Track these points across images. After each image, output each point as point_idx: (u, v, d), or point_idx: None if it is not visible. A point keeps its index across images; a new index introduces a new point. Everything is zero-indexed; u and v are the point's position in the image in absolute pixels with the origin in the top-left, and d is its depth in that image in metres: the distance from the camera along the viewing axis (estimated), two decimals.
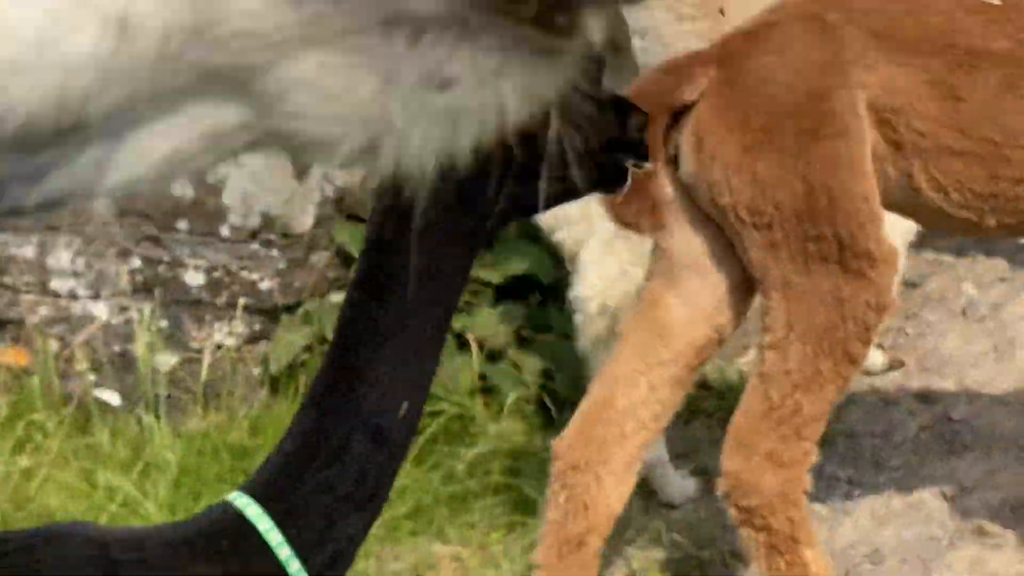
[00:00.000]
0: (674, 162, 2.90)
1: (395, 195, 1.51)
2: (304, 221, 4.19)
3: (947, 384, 4.17)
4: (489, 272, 4.31)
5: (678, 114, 2.87)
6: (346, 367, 1.58)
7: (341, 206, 4.38)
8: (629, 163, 1.68)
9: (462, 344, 4.18)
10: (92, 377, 4.32)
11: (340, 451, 1.54)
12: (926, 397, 4.11)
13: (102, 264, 4.31)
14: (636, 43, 3.48)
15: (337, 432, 1.55)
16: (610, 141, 1.65)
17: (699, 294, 2.95)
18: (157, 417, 4.08)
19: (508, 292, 4.39)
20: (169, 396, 4.23)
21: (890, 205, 2.96)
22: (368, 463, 1.56)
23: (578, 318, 3.77)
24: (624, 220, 2.94)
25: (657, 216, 2.88)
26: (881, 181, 2.88)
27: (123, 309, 4.30)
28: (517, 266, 4.35)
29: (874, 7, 2.97)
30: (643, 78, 3.11)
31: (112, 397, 4.35)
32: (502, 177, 1.53)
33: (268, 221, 4.12)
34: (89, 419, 4.23)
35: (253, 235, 4.15)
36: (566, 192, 1.68)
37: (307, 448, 1.57)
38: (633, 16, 3.44)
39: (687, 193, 2.92)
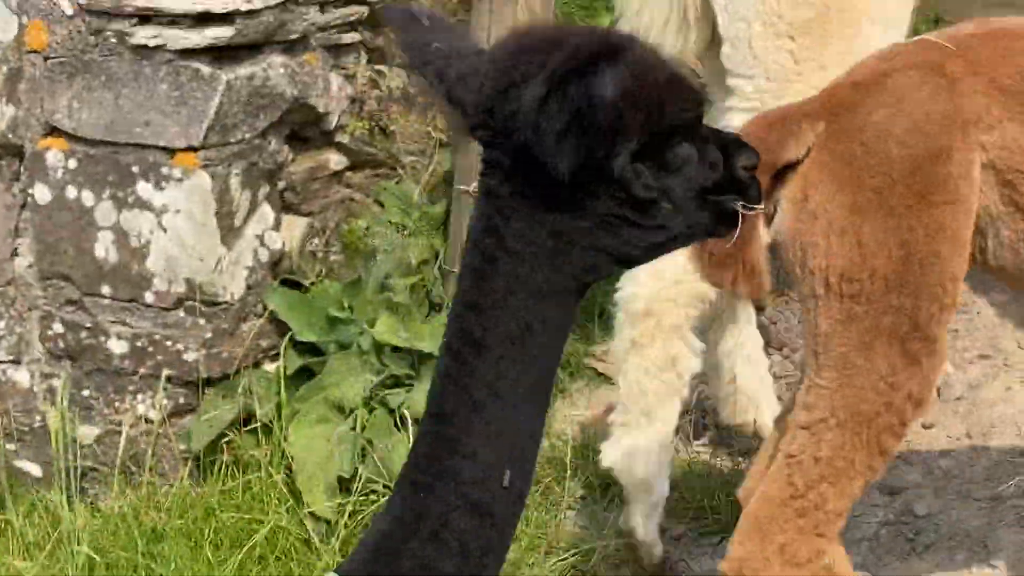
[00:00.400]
0: (768, 222, 2.72)
1: (482, 254, 1.48)
2: (233, 288, 3.96)
3: (914, 474, 3.92)
4: (431, 343, 4.07)
5: (779, 172, 2.67)
6: (440, 439, 1.52)
7: (277, 270, 4.16)
8: (738, 206, 1.58)
9: (398, 422, 3.95)
10: (12, 447, 4.11)
11: (439, 529, 1.50)
12: (890, 488, 3.85)
13: (23, 328, 4.10)
14: (725, 49, 3.47)
15: (434, 508, 1.50)
16: (717, 183, 1.55)
17: None
18: (70, 494, 3.87)
19: None
20: (91, 471, 4.02)
21: (997, 269, 2.83)
22: (470, 539, 1.51)
23: (619, 318, 3.62)
24: (720, 284, 2.76)
25: (756, 281, 2.67)
26: (992, 243, 2.74)
27: (45, 376, 4.09)
28: None
29: (1000, 58, 2.73)
30: (744, 132, 2.90)
31: (33, 468, 4.14)
32: (595, 227, 1.48)
33: (195, 288, 3.89)
34: (5, 492, 4.02)
35: (178, 302, 3.92)
36: (669, 240, 1.56)
37: (403, 526, 1.52)
38: (726, 24, 3.45)
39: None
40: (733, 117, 3.36)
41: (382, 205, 4.59)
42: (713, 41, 3.61)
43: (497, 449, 1.51)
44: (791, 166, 2.67)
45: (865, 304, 2.63)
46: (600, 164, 1.42)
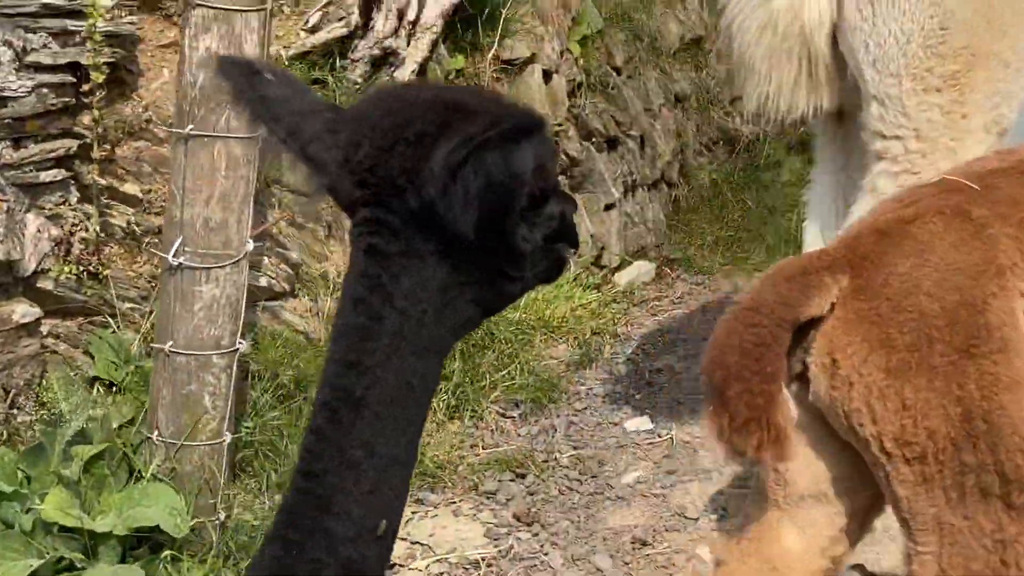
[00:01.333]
0: (799, 380, 2.58)
1: (366, 313, 1.49)
2: None
3: None
4: (111, 520, 3.62)
5: (803, 327, 2.53)
6: (312, 497, 1.51)
7: None
8: (570, 253, 1.67)
9: None
10: None
11: None
12: None
13: None
14: (874, 110, 3.50)
15: (305, 568, 1.50)
16: (556, 231, 1.62)
17: (818, 524, 2.68)
18: None
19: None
20: None
21: None
22: None
23: None
24: (743, 452, 2.53)
25: (783, 445, 2.49)
26: None
27: None
28: (146, 515, 3.66)
29: None
30: (762, 285, 2.66)
31: None
32: (480, 282, 1.56)
33: None
34: None
35: None
36: (522, 291, 1.66)
37: None
38: (877, 84, 3.48)
39: (816, 415, 2.60)
40: (883, 181, 3.46)
41: (92, 357, 4.17)
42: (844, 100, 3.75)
43: (370, 506, 1.50)
44: (816, 322, 2.52)
45: (936, 464, 2.45)
46: (497, 223, 1.47)
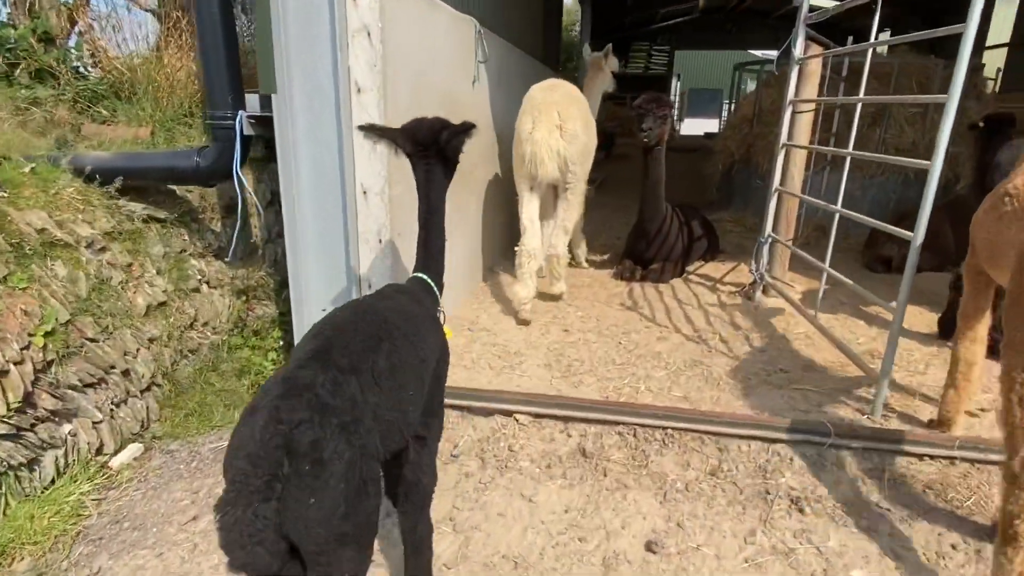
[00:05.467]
0: None
1: (428, 187, 4.17)
2: None
3: None
4: None
5: None
6: None
7: None
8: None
9: None
10: None
11: None
12: None
13: None
14: None
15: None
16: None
17: None
18: None
19: None
20: None
21: None
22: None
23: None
24: None
25: None
26: None
27: None
28: None
29: None
30: None
31: None
32: (449, 172, 4.21)
33: None
34: None
35: None
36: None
37: None
38: None
39: None
40: None
41: None
42: None
43: None
44: None
45: None
46: (457, 150, 4.15)
